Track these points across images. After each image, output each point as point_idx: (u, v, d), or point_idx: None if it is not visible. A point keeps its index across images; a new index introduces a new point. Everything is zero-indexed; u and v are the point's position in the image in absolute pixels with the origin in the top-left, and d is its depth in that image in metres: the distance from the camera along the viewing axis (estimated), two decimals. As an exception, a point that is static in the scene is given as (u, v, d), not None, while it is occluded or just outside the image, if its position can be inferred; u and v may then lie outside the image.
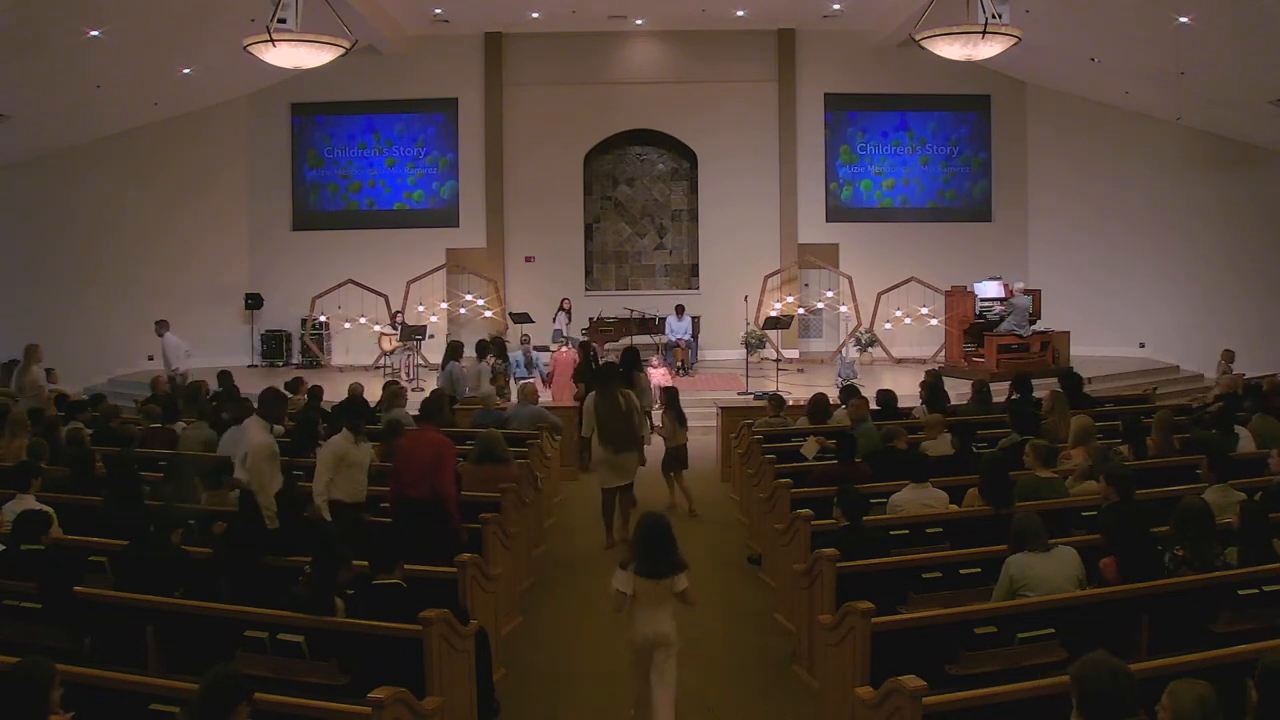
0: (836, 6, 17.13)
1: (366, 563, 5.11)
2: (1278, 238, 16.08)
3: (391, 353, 16.71)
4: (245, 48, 11.39)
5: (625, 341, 17.43)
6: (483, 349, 12.57)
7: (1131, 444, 7.69)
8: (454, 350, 12.30)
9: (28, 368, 11.92)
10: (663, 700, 4.95)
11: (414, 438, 6.82)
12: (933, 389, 9.88)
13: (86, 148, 17.38)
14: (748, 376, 15.35)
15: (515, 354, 15.16)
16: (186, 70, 15.97)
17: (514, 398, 12.06)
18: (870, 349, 17.32)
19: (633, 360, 9.96)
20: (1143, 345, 18.00)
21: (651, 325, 17.23)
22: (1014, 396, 9.76)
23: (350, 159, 19.00)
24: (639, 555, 4.95)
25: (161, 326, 14.08)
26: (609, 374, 9.06)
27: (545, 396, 12.75)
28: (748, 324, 16.89)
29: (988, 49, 11.47)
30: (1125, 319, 17.93)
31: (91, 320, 17.09)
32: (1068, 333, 16.10)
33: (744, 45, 18.61)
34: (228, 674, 3.54)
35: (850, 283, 18.05)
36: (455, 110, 18.78)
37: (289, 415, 10.25)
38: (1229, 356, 13.36)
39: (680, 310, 17.28)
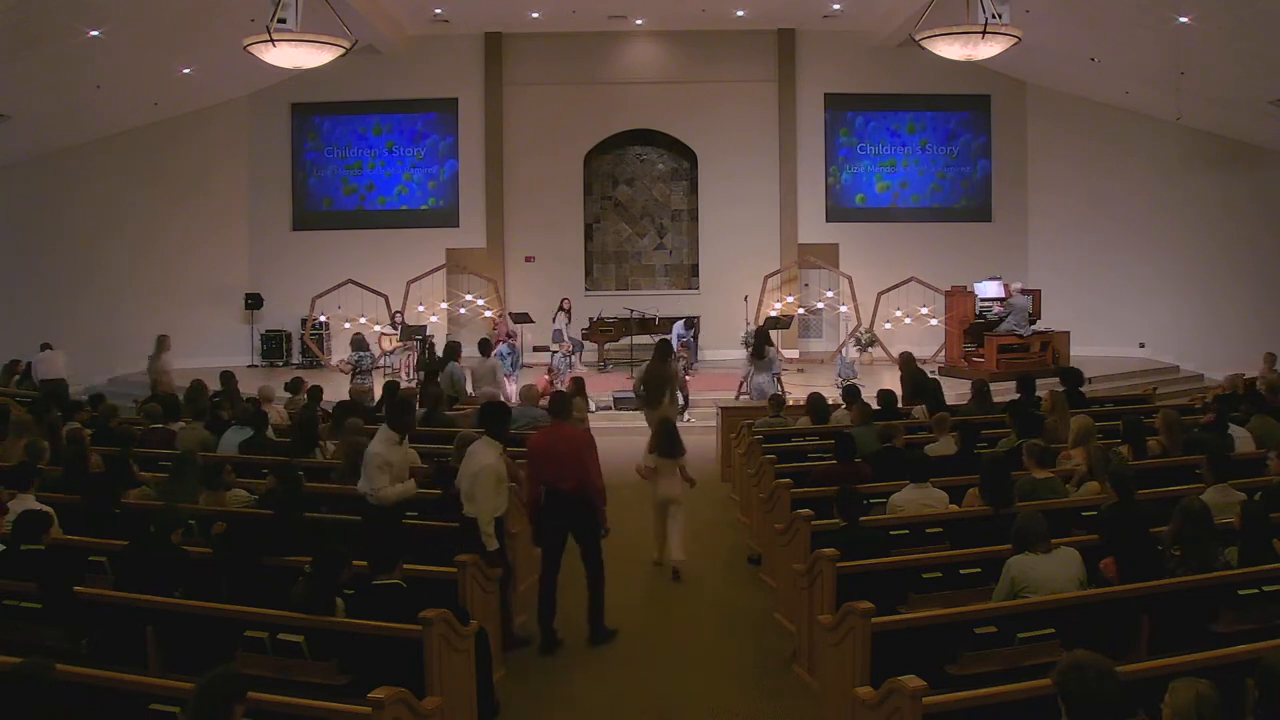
0: (836, 6, 17.13)
1: (366, 563, 5.11)
2: (1278, 238, 16.07)
3: (391, 352, 16.71)
4: (245, 48, 11.40)
5: (625, 342, 17.48)
6: (485, 346, 12.51)
7: (1131, 444, 7.67)
8: (451, 350, 12.29)
9: (158, 356, 13.44)
10: (675, 539, 7.85)
11: (549, 434, 6.83)
12: (921, 387, 9.76)
13: (86, 148, 17.40)
14: (748, 376, 15.34)
15: (502, 347, 14.28)
16: (186, 70, 15.98)
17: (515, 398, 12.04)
18: (870, 349, 17.30)
19: (764, 337, 12.27)
20: (1143, 345, 17.99)
21: (652, 325, 17.22)
22: (1017, 397, 9.74)
23: (350, 159, 19.00)
24: (660, 444, 7.98)
25: (45, 346, 14.10)
26: (665, 346, 11.39)
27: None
28: (748, 324, 16.89)
29: (988, 49, 11.48)
30: (1125, 319, 17.92)
31: (92, 320, 17.11)
32: (1068, 333, 16.08)
33: (744, 45, 18.61)
34: (224, 675, 3.53)
35: (850, 283, 18.05)
36: (455, 110, 18.79)
37: (289, 415, 10.29)
38: (1271, 359, 12.48)
39: (689, 321, 17.17)
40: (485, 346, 12.60)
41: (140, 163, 17.77)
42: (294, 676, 4.54)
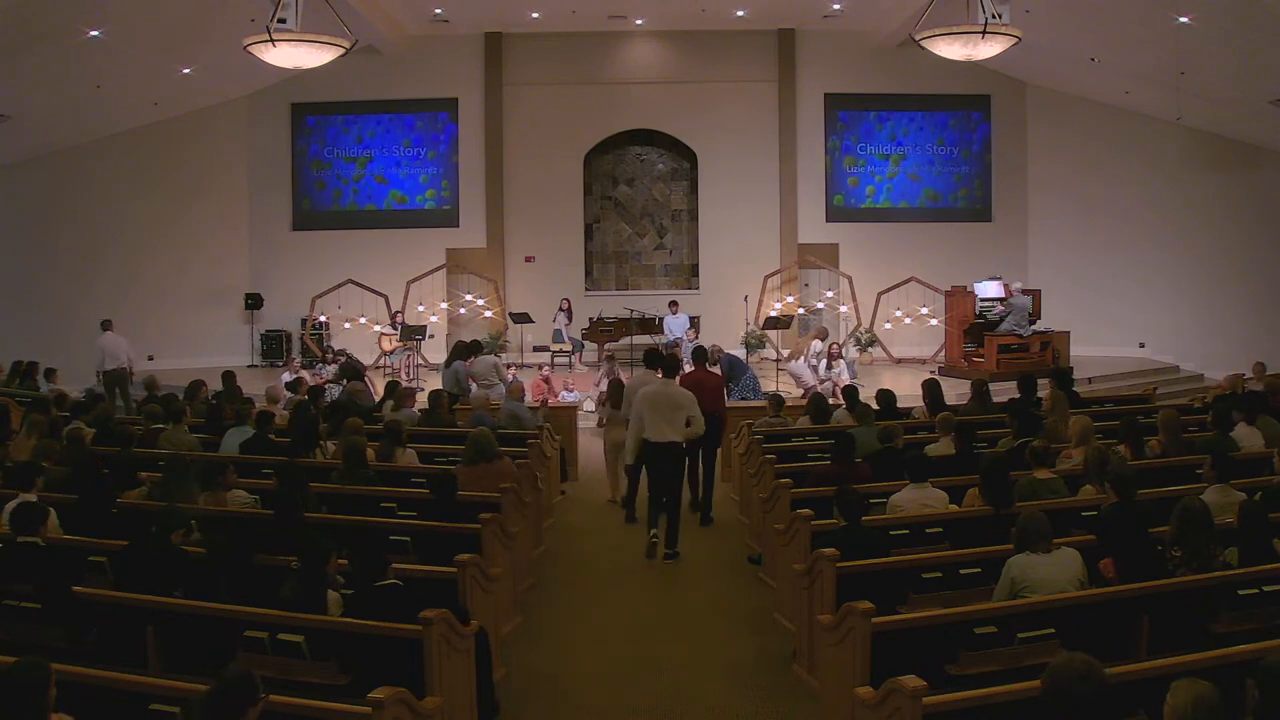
0: (836, 6, 17.13)
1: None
2: (1278, 238, 16.08)
3: (391, 353, 16.72)
4: (245, 48, 11.40)
5: (625, 342, 17.49)
6: (474, 348, 12.35)
7: (1131, 444, 7.67)
8: (457, 350, 12.27)
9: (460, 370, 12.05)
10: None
11: (699, 375, 9.57)
12: (932, 396, 9.69)
13: (87, 148, 17.41)
14: (748, 376, 15.32)
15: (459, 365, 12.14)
16: (186, 70, 15.98)
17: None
18: (870, 349, 17.31)
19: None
20: (1143, 345, 18.00)
21: (652, 325, 17.22)
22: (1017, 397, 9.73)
23: (350, 159, 19.00)
24: (611, 400, 10.19)
25: (106, 325, 14.27)
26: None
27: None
28: (748, 324, 16.89)
29: (988, 49, 11.48)
30: (1125, 319, 17.93)
31: (92, 320, 17.00)
32: (1068, 333, 16.09)
33: (744, 45, 18.61)
34: (243, 675, 3.50)
35: (850, 283, 18.04)
36: (455, 110, 18.79)
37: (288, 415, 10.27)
38: (1260, 369, 12.52)
39: (674, 305, 17.19)
40: (476, 348, 12.45)
41: (140, 163, 17.77)
42: (294, 676, 4.54)
